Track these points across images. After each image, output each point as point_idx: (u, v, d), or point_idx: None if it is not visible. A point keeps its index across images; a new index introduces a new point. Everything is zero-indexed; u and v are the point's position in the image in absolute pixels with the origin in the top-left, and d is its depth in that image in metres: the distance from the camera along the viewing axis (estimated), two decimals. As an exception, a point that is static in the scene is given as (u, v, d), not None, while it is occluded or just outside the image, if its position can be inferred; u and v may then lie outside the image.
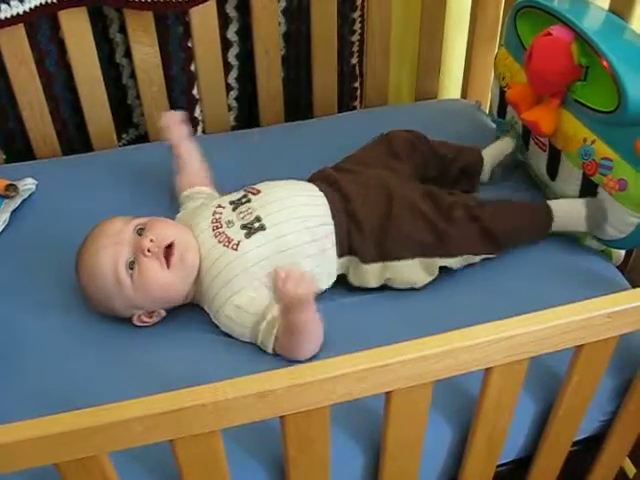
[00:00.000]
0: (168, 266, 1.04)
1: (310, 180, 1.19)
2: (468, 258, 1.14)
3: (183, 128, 1.27)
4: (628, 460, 1.30)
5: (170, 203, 1.20)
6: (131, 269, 1.03)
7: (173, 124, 1.26)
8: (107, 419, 0.68)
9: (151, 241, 1.03)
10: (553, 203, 1.20)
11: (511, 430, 0.96)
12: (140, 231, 1.05)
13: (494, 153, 1.33)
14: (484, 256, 1.16)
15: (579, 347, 0.87)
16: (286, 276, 0.93)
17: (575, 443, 1.08)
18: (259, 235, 1.06)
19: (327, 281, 1.12)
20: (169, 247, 1.04)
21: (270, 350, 1.03)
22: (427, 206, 1.13)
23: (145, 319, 1.07)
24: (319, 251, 1.09)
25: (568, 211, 1.18)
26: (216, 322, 1.08)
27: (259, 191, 1.13)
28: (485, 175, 1.33)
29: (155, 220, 1.07)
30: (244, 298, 1.05)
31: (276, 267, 0.96)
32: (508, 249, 1.18)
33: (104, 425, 0.69)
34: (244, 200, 1.11)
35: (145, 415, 0.69)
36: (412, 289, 1.13)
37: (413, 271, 1.11)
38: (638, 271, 1.26)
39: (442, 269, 1.13)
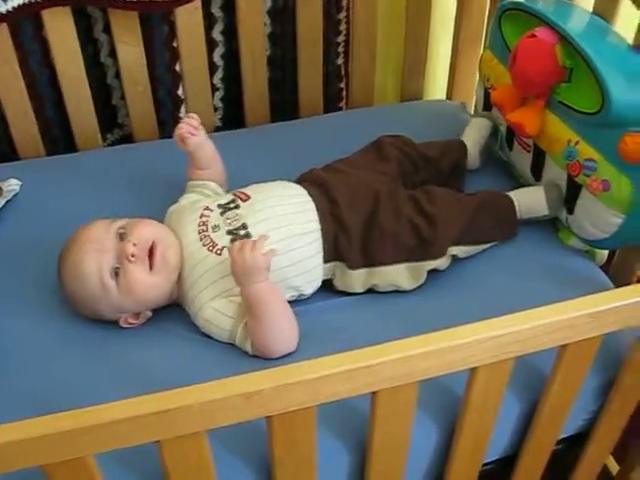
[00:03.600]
0: (151, 268, 1.04)
1: (299, 181, 1.19)
2: (453, 249, 1.14)
3: (199, 135, 1.19)
4: (611, 458, 1.31)
5: (155, 204, 1.20)
6: (116, 275, 1.03)
7: (188, 136, 1.17)
8: (93, 421, 0.68)
9: (134, 245, 1.03)
10: (512, 193, 1.22)
11: (496, 429, 0.97)
12: (122, 235, 1.05)
13: (475, 136, 1.34)
14: (468, 247, 1.16)
15: (563, 346, 0.87)
16: (240, 245, 0.99)
17: (559, 441, 1.09)
18: None
19: (312, 286, 1.12)
20: (150, 248, 1.04)
21: (249, 350, 1.03)
22: (411, 209, 1.13)
23: (132, 321, 1.08)
24: (305, 258, 1.09)
25: (528, 197, 1.21)
26: (195, 323, 1.08)
27: (248, 197, 1.12)
28: (475, 162, 1.34)
29: (135, 222, 1.07)
30: (222, 302, 1.05)
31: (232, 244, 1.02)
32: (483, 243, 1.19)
33: (90, 427, 0.68)
34: (232, 206, 1.11)
35: (131, 416, 0.69)
36: (398, 290, 1.13)
37: (399, 277, 1.12)
38: (621, 271, 1.28)
39: (429, 270, 1.13)
